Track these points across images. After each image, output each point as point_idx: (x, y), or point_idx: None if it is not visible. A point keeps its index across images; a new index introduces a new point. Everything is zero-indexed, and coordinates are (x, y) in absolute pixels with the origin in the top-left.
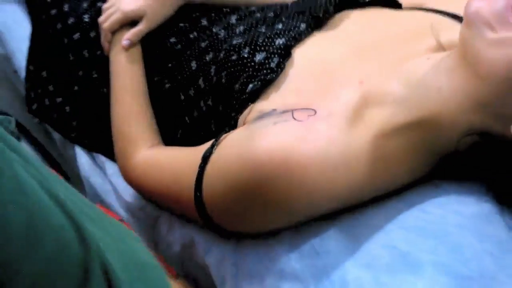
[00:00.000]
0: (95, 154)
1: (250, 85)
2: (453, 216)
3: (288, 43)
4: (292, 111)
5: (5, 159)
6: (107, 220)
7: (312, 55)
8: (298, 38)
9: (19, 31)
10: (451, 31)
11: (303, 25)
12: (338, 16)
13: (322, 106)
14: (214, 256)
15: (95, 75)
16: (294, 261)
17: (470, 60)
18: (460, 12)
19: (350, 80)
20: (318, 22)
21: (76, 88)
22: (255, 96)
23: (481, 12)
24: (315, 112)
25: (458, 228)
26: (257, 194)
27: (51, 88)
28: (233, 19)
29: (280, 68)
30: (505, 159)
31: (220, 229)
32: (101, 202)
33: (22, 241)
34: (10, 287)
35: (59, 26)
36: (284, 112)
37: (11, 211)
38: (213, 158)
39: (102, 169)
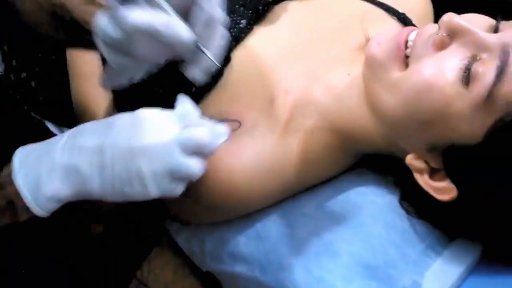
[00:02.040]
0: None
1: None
2: (369, 206)
3: (229, 45)
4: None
5: None
6: None
7: (248, 59)
8: (238, 37)
9: None
10: (382, 25)
11: (243, 22)
12: (276, 8)
13: (249, 117)
14: (182, 237)
15: None
16: (242, 245)
17: (369, 99)
18: (393, 3)
19: (277, 89)
20: (257, 17)
21: None
22: (196, 102)
23: (377, 56)
24: (240, 124)
25: (371, 218)
26: (201, 203)
27: None
28: None
29: (220, 75)
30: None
31: (182, 221)
32: None
33: None
34: None
35: None
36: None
37: None
38: None
39: None
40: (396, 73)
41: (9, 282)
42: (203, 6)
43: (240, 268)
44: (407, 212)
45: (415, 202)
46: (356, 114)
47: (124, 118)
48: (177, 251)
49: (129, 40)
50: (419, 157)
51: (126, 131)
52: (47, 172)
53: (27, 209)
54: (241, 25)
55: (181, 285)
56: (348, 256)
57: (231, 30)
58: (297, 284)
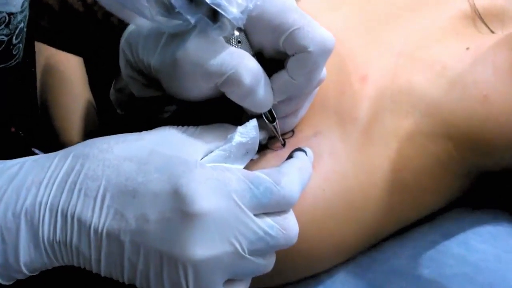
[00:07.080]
0: None
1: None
2: (510, 257)
3: None
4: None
5: None
6: None
7: None
8: None
9: None
10: None
11: None
12: None
13: (308, 120)
14: None
15: None
16: None
17: None
18: None
19: (348, 74)
20: None
21: None
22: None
23: None
24: (293, 133)
25: None
26: None
27: None
28: None
29: None
30: None
31: None
32: None
33: None
34: None
35: None
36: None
37: None
38: None
39: None
40: None
41: None
42: (296, 78)
43: None
44: None
45: None
46: (496, 106)
47: (157, 184)
48: None
49: (174, 71)
50: None
51: (162, 227)
52: (26, 236)
53: None
54: None
55: None
56: None
57: None
58: None
